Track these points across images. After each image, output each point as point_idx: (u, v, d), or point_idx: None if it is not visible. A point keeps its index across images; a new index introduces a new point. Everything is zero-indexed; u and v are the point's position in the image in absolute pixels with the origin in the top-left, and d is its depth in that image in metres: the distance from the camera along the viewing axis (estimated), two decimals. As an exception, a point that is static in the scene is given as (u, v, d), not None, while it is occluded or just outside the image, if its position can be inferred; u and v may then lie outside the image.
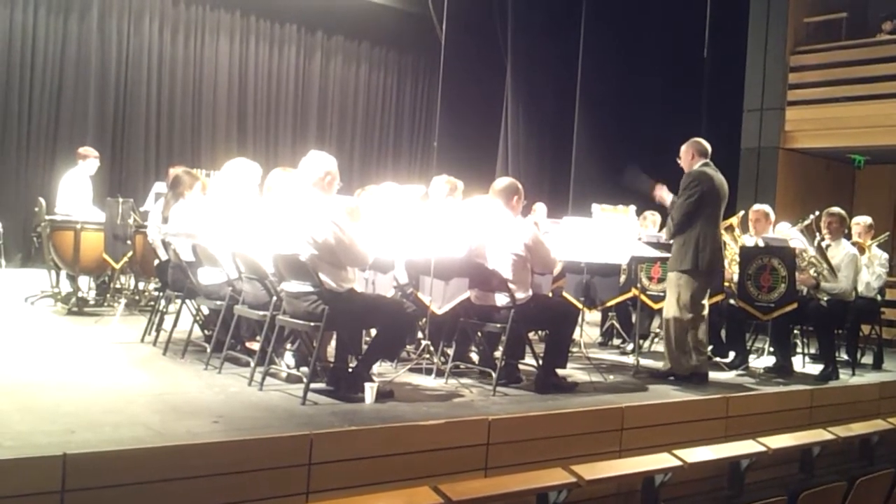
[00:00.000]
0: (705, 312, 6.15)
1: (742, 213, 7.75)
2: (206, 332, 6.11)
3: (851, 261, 6.97)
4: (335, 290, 4.73)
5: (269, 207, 5.49)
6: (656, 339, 7.95)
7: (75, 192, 8.52)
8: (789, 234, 7.54)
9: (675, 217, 6.09)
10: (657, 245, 6.79)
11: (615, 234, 6.50)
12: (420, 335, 6.17)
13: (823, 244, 7.03)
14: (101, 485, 3.19)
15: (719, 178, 6.12)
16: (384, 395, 4.77)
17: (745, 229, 7.65)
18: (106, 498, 3.20)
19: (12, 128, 11.84)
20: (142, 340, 6.27)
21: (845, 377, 6.95)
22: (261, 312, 5.13)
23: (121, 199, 7.78)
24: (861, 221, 7.84)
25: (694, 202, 6.00)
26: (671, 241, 6.25)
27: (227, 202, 5.73)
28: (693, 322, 6.07)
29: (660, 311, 7.37)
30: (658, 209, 7.82)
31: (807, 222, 7.52)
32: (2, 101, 11.76)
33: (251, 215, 5.51)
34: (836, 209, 7.27)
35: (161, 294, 6.64)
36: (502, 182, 5.78)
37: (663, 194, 6.24)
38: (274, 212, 5.31)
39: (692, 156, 6.17)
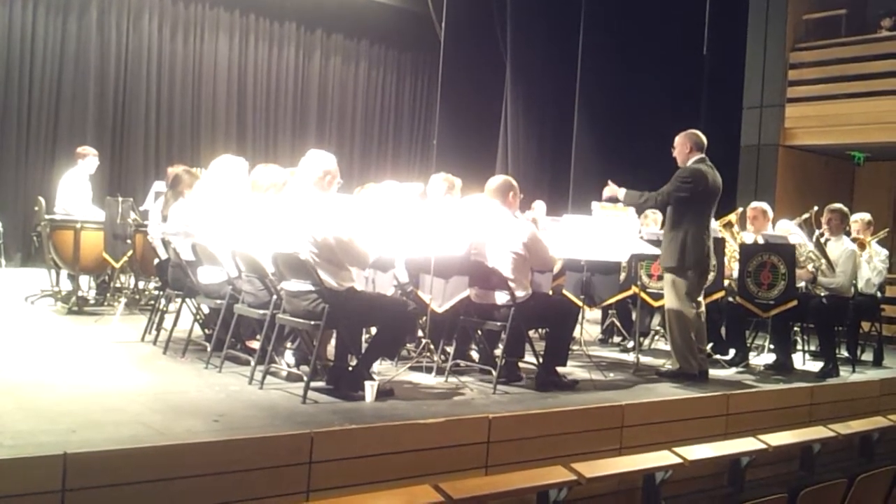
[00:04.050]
0: (702, 310, 6.14)
1: (741, 209, 7.75)
2: (206, 331, 6.11)
3: (850, 257, 6.98)
4: (335, 289, 4.73)
5: (257, 204, 5.48)
6: (657, 337, 7.96)
7: (75, 192, 8.52)
8: (789, 228, 7.55)
9: (657, 200, 6.07)
10: (657, 243, 6.78)
11: (615, 231, 6.49)
12: (420, 333, 6.17)
13: (822, 239, 7.03)
14: (101, 484, 3.20)
15: (714, 175, 6.06)
16: (384, 393, 4.77)
17: (743, 226, 7.65)
18: (106, 497, 3.21)
19: (11, 127, 11.83)
20: (142, 339, 6.27)
21: (845, 374, 6.95)
22: (261, 311, 5.13)
23: (120, 198, 7.78)
24: (860, 218, 7.85)
25: (682, 199, 5.97)
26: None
27: (220, 200, 5.73)
28: (696, 320, 6.06)
29: (660, 308, 7.38)
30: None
31: (806, 216, 7.52)
32: (1, 100, 11.76)
33: (244, 212, 5.50)
34: (837, 205, 7.27)
35: (161, 293, 6.64)
36: (496, 181, 5.77)
37: (612, 189, 6.23)
38: (270, 210, 5.31)
39: (689, 148, 6.10)
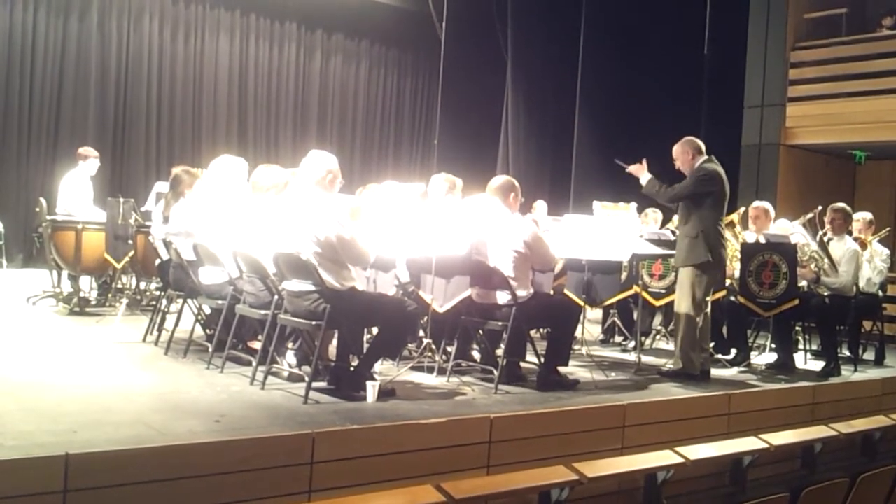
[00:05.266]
0: (708, 309, 6.15)
1: (742, 209, 7.75)
2: (207, 331, 6.12)
3: (853, 256, 6.98)
4: (337, 289, 4.73)
5: (258, 204, 5.49)
6: (658, 337, 7.95)
7: (76, 193, 8.52)
8: (791, 228, 7.55)
9: (674, 195, 6.08)
10: (658, 242, 6.78)
11: (616, 231, 6.50)
12: (421, 333, 6.17)
13: (825, 239, 7.03)
14: (103, 484, 3.20)
15: (724, 175, 6.12)
16: (386, 393, 4.77)
17: (745, 226, 7.65)
18: (108, 497, 3.21)
19: (13, 128, 11.83)
20: (143, 340, 6.27)
21: (847, 373, 6.95)
22: (262, 312, 5.13)
23: (122, 199, 7.78)
24: (861, 217, 7.84)
25: (702, 197, 5.99)
26: (672, 232, 6.21)
27: (220, 200, 5.73)
28: (702, 319, 6.07)
29: (661, 308, 7.39)
30: (659, 206, 7.81)
31: (809, 216, 7.51)
32: (2, 101, 11.75)
33: (245, 212, 5.51)
34: (840, 205, 7.27)
35: (162, 294, 6.64)
36: (498, 180, 5.78)
37: (638, 169, 6.24)
38: (271, 210, 5.31)
39: (691, 155, 6.13)
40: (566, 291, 7.28)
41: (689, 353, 6.04)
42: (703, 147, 6.18)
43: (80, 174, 8.65)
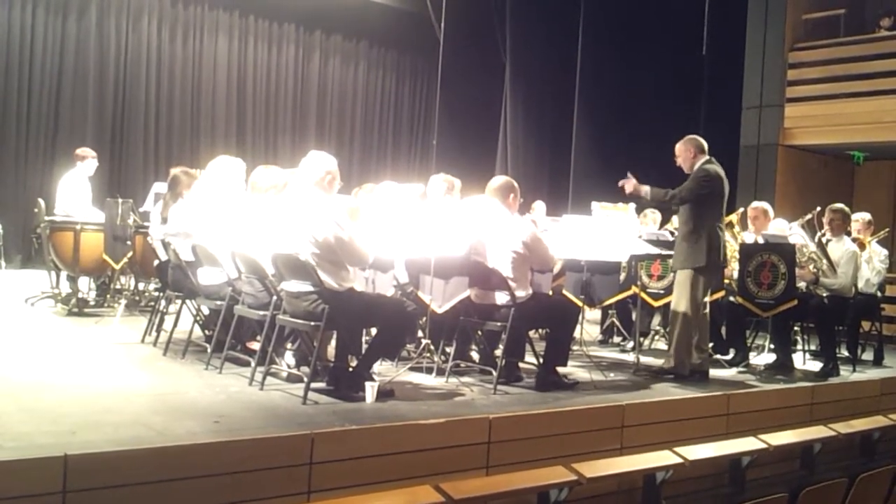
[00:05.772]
0: (706, 310, 6.15)
1: (741, 210, 7.75)
2: (206, 332, 6.11)
3: (851, 257, 6.98)
4: (335, 290, 4.73)
5: (256, 205, 5.49)
6: (657, 337, 7.96)
7: (74, 193, 8.52)
8: (786, 228, 7.55)
9: (680, 197, 6.05)
10: (657, 242, 6.78)
11: (615, 231, 6.50)
12: (420, 334, 6.17)
13: (824, 240, 7.03)
14: (102, 485, 3.20)
15: (724, 176, 6.12)
16: (385, 394, 4.77)
17: (744, 226, 7.66)
18: (107, 498, 3.21)
19: (11, 128, 11.82)
20: (142, 341, 6.27)
21: (846, 373, 6.95)
22: (261, 312, 5.13)
23: (120, 200, 7.78)
24: (860, 218, 7.85)
25: (703, 198, 5.99)
26: (674, 234, 6.20)
27: (218, 201, 5.73)
28: (701, 320, 6.07)
29: (660, 308, 7.39)
30: (658, 206, 7.81)
31: (808, 217, 7.52)
32: (0, 101, 11.74)
33: (244, 213, 5.51)
34: (838, 205, 7.27)
35: (161, 294, 6.64)
36: (498, 181, 5.78)
37: (634, 186, 6.21)
38: (270, 210, 5.32)
39: (693, 154, 6.14)
40: (565, 292, 7.28)
41: (683, 353, 6.05)
42: (706, 146, 6.18)
43: (79, 175, 8.64)
